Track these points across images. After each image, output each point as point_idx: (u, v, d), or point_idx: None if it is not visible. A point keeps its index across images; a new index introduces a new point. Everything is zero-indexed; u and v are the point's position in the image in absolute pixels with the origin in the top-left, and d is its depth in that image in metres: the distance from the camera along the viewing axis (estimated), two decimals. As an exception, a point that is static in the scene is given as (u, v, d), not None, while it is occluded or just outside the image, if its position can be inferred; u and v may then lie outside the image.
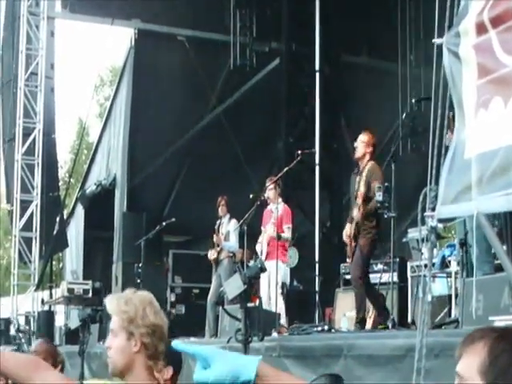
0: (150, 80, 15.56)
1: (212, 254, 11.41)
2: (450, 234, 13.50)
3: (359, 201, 8.35)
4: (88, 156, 24.49)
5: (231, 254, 11.28)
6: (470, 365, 1.85)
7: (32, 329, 14.12)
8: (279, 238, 10.05)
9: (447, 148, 4.26)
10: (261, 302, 8.01)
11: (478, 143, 4.04)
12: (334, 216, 14.97)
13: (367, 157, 8.45)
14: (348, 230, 8.55)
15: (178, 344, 2.02)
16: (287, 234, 10.31)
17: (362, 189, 8.29)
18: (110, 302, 2.96)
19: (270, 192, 10.41)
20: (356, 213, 8.39)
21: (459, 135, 4.21)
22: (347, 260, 9.00)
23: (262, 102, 15.56)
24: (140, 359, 2.93)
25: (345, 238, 8.64)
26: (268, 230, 10.34)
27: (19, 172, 15.19)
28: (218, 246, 11.35)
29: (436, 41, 4.34)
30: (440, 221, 4.36)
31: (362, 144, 8.46)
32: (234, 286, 6.37)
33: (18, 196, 15.20)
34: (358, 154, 8.46)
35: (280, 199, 10.48)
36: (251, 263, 10.23)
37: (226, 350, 2.03)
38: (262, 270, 6.64)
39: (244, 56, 15.22)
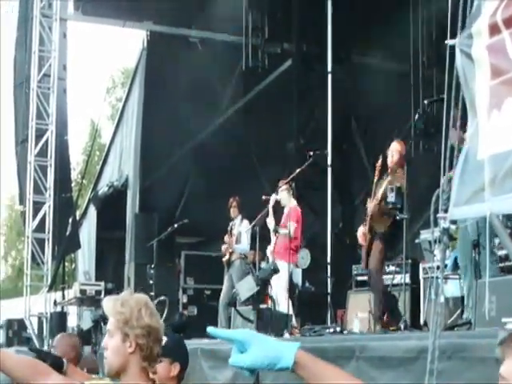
0: (161, 81, 15.58)
1: (224, 255, 11.42)
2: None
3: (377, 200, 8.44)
4: (100, 157, 24.56)
5: (243, 256, 11.29)
6: None
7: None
8: (276, 231, 10.13)
9: (460, 149, 4.25)
10: (274, 303, 8.01)
11: (491, 144, 4.03)
12: (345, 217, 14.95)
13: (399, 165, 8.52)
14: (362, 230, 8.63)
15: (212, 330, 1.97)
16: (290, 230, 10.24)
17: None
18: (107, 304, 2.99)
19: (283, 193, 10.41)
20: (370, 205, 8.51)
21: (472, 136, 4.19)
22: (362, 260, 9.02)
23: (273, 103, 15.55)
24: (135, 360, 2.95)
25: (360, 237, 8.70)
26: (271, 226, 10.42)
27: (32, 173, 15.21)
28: (230, 247, 11.36)
29: (449, 42, 4.32)
30: (452, 222, 4.34)
31: (396, 152, 8.51)
32: (246, 288, 6.39)
33: (30, 197, 15.23)
34: (393, 163, 8.51)
35: (295, 202, 10.51)
36: (263, 265, 10.22)
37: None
38: (275, 271, 6.65)
39: (256, 57, 15.20)
